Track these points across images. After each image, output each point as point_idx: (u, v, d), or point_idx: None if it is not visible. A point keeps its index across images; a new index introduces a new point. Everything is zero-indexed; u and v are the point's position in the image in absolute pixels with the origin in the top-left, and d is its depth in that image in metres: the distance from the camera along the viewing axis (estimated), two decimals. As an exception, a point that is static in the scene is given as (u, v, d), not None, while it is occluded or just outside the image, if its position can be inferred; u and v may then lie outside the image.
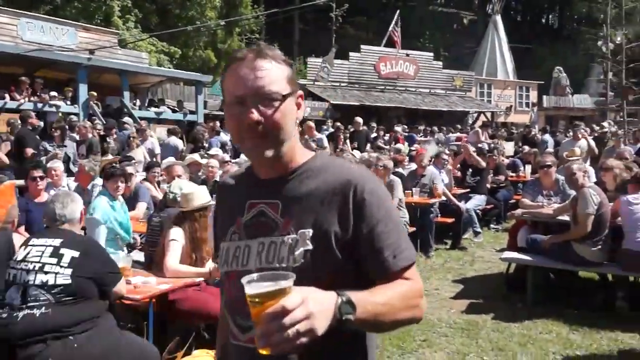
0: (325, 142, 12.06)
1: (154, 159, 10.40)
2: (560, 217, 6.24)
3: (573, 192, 6.10)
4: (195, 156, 8.93)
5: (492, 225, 10.33)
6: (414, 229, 7.80)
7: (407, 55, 28.30)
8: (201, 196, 4.38)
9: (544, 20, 60.85)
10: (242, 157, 8.97)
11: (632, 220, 5.48)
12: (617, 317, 5.45)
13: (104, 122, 13.37)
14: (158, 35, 24.84)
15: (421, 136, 17.39)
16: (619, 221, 5.69)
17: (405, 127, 18.78)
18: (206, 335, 4.29)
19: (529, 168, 11.51)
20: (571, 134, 13.92)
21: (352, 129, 15.48)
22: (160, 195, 6.64)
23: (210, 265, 4.27)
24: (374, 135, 16.10)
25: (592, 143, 11.43)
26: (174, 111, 18.95)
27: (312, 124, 12.51)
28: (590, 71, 37.11)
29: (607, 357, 4.69)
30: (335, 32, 36.30)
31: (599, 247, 5.63)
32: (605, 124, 15.74)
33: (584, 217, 5.59)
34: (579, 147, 10.69)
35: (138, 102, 18.46)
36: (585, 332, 5.14)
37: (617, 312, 5.54)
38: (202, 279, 4.25)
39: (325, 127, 16.86)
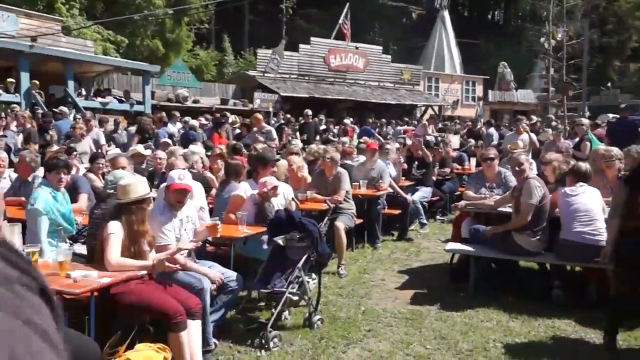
0: (274, 134, 11.99)
1: (99, 150, 10.19)
2: (501, 209, 6.42)
3: (514, 184, 6.29)
4: (139, 147, 8.78)
5: (438, 217, 10.52)
6: (361, 220, 7.88)
7: (357, 48, 28.48)
8: (139, 188, 4.27)
9: (490, 17, 62.18)
10: (192, 147, 8.86)
11: (569, 211, 5.68)
12: (554, 304, 5.65)
13: (46, 112, 13.06)
14: (104, 23, 24.25)
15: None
16: (557, 212, 5.89)
17: (352, 119, 18.88)
18: (151, 328, 4.23)
19: (474, 161, 11.76)
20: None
21: (302, 121, 15.47)
22: (104, 187, 6.49)
23: (153, 257, 4.22)
24: (323, 127, 16.14)
25: (534, 137, 11.80)
26: (120, 101, 18.56)
27: (260, 115, 12.39)
28: (534, 67, 38.09)
29: (544, 343, 4.86)
30: (285, 24, 36.27)
31: (538, 237, 5.83)
32: (533, 117, 16.34)
33: (526, 206, 5.77)
34: (522, 141, 10.99)
35: (83, 92, 18.00)
36: (524, 320, 5.31)
37: (554, 300, 5.74)
38: (145, 272, 4.18)
39: (276, 119, 16.80)
